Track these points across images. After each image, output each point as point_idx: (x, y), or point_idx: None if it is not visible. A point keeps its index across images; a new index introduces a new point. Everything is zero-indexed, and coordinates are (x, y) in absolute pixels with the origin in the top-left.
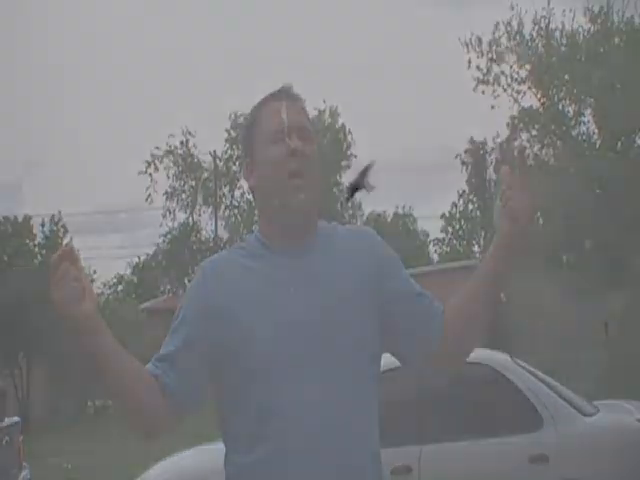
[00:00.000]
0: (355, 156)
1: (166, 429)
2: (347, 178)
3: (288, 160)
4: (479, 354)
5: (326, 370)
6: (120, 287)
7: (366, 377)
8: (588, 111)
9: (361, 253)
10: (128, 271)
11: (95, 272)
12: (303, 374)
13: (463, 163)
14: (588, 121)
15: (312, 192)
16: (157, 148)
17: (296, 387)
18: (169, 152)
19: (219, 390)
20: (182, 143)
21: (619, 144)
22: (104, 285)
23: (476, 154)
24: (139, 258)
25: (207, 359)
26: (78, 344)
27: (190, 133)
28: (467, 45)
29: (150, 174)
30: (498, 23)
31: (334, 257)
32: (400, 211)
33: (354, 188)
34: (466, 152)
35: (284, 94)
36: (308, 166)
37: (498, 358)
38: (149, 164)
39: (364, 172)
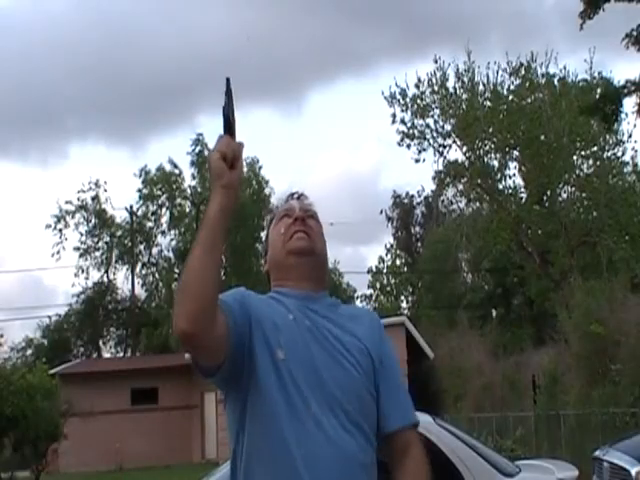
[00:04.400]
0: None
1: (203, 329)
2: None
3: (292, 226)
4: None
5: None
6: (29, 351)
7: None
8: (513, 164)
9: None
10: (38, 334)
11: (2, 335)
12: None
13: (388, 219)
14: (514, 174)
15: (316, 246)
16: (68, 203)
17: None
18: (81, 207)
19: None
20: (93, 198)
21: (545, 198)
22: (11, 349)
23: (401, 209)
24: (50, 319)
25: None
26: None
27: (99, 185)
28: (391, 99)
29: (60, 230)
30: (420, 78)
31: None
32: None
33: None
34: (392, 206)
35: (297, 195)
36: (312, 234)
37: (420, 420)
38: (58, 219)
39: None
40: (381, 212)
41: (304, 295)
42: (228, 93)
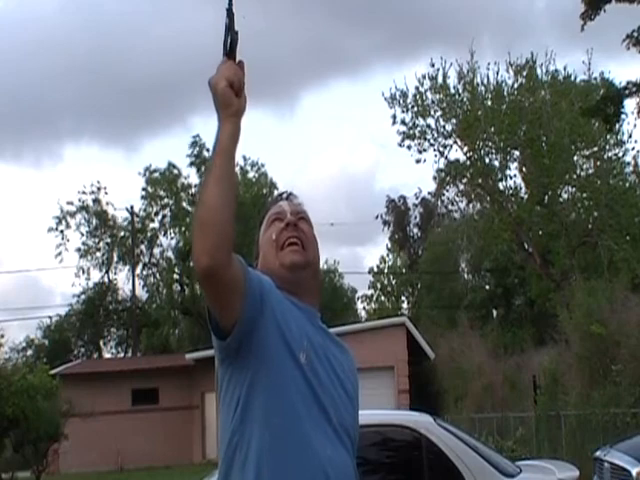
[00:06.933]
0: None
1: (223, 263)
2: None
3: (284, 232)
4: (403, 417)
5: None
6: (30, 351)
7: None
8: (514, 164)
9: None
10: (38, 334)
11: (3, 336)
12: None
13: (384, 222)
14: (515, 175)
15: (309, 257)
16: (69, 204)
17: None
18: (82, 208)
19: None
20: (94, 200)
21: (545, 198)
22: (12, 350)
23: (396, 212)
24: (50, 319)
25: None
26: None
27: (100, 188)
28: (392, 100)
29: (61, 231)
30: (424, 76)
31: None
32: (324, 266)
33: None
34: (387, 210)
35: (285, 195)
36: (305, 239)
37: (421, 420)
38: (60, 220)
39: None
40: (377, 217)
41: (306, 309)
42: (229, 12)
